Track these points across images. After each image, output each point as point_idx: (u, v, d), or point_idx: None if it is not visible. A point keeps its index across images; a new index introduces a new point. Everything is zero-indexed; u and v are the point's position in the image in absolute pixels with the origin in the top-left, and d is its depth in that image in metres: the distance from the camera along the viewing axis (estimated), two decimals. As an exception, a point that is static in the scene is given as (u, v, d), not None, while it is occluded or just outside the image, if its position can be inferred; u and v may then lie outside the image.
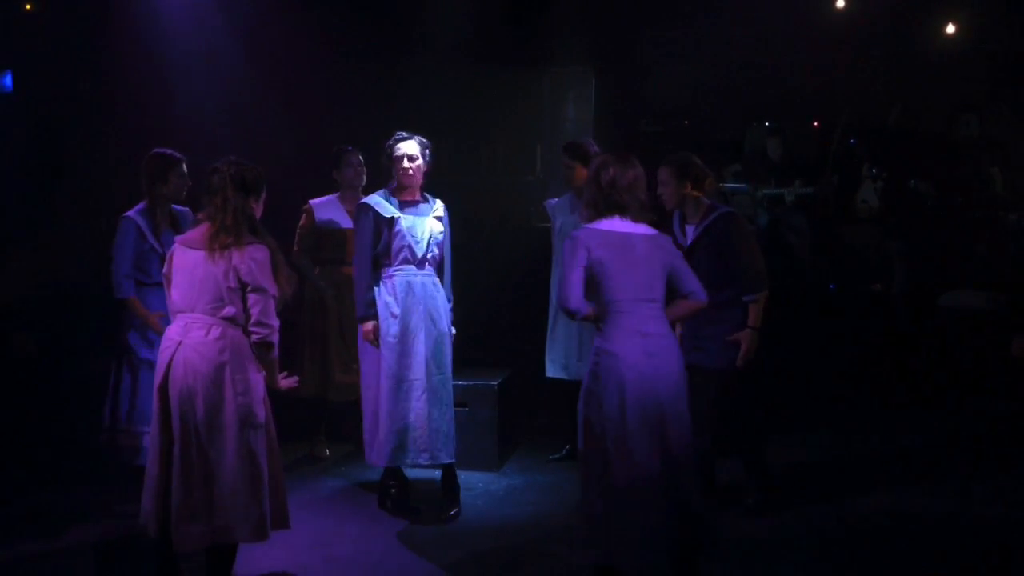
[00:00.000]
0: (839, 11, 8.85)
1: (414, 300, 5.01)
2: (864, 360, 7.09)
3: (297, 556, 4.61)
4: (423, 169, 5.05)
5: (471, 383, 5.74)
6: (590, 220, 3.90)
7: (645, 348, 3.79)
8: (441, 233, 5.10)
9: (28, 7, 7.68)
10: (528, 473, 5.83)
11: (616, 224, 3.86)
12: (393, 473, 5.21)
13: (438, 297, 5.10)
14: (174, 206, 5.09)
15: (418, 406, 4.97)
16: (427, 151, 5.05)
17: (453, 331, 5.16)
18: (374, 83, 8.16)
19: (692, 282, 3.95)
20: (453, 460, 5.12)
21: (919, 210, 7.61)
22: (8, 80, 7.64)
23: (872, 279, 7.94)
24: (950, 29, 8.84)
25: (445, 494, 5.18)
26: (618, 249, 3.80)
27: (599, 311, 3.85)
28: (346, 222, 5.88)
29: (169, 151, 5.06)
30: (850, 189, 8.18)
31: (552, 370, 5.87)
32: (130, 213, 5.01)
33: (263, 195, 4.06)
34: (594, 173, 3.93)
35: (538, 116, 9.83)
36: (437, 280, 5.13)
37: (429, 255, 5.06)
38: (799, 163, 8.25)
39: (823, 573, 4.45)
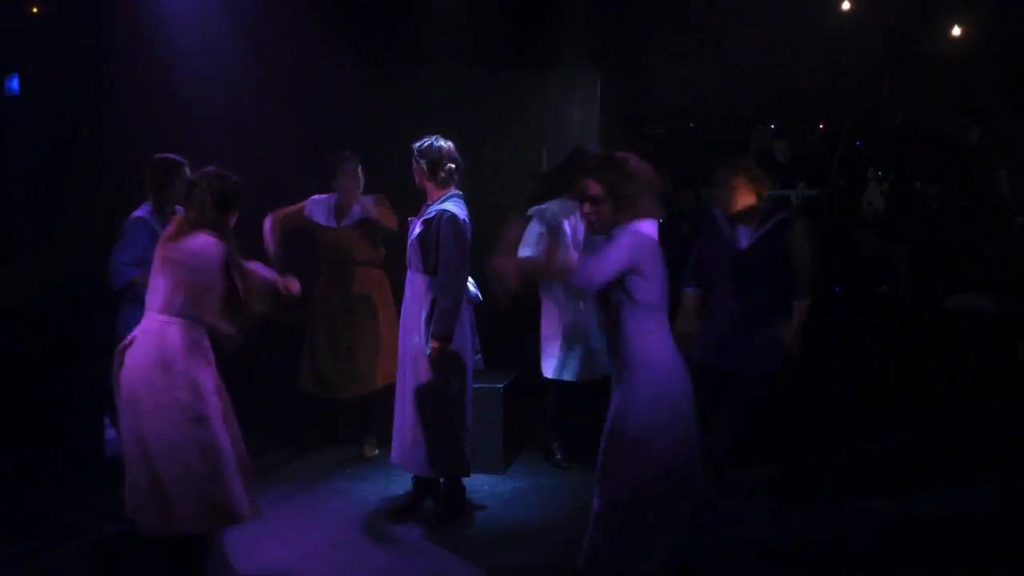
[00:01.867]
0: (845, 13, 8.84)
1: (403, 305, 5.11)
2: (869, 363, 7.07)
3: (305, 558, 4.63)
4: (421, 171, 4.93)
5: (477, 386, 5.73)
6: (625, 222, 3.77)
7: (676, 353, 3.78)
8: (416, 238, 4.92)
9: (35, 10, 7.69)
10: (534, 476, 5.83)
11: (648, 227, 3.82)
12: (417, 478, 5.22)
13: (411, 305, 5.00)
14: (178, 208, 5.10)
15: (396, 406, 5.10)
16: (418, 156, 4.91)
17: (432, 344, 4.84)
18: (380, 86, 8.16)
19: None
20: (420, 473, 5.04)
21: (925, 213, 7.60)
22: (15, 83, 7.66)
23: (878, 282, 7.92)
24: (956, 31, 8.84)
25: (441, 499, 5.17)
26: (652, 255, 3.77)
27: (630, 307, 3.76)
28: (328, 222, 5.89)
29: (171, 155, 5.08)
30: (856, 192, 8.18)
31: (548, 370, 5.86)
32: (140, 214, 5.04)
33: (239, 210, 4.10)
34: (629, 173, 3.78)
35: (544, 118, 9.85)
36: (413, 287, 4.99)
37: (412, 261, 5.01)
38: (805, 165, 8.23)
39: (829, 574, 4.47)
